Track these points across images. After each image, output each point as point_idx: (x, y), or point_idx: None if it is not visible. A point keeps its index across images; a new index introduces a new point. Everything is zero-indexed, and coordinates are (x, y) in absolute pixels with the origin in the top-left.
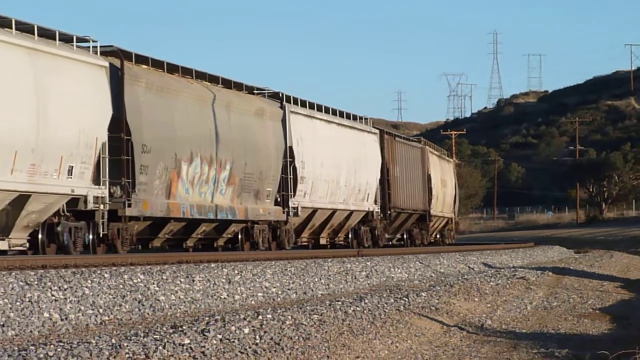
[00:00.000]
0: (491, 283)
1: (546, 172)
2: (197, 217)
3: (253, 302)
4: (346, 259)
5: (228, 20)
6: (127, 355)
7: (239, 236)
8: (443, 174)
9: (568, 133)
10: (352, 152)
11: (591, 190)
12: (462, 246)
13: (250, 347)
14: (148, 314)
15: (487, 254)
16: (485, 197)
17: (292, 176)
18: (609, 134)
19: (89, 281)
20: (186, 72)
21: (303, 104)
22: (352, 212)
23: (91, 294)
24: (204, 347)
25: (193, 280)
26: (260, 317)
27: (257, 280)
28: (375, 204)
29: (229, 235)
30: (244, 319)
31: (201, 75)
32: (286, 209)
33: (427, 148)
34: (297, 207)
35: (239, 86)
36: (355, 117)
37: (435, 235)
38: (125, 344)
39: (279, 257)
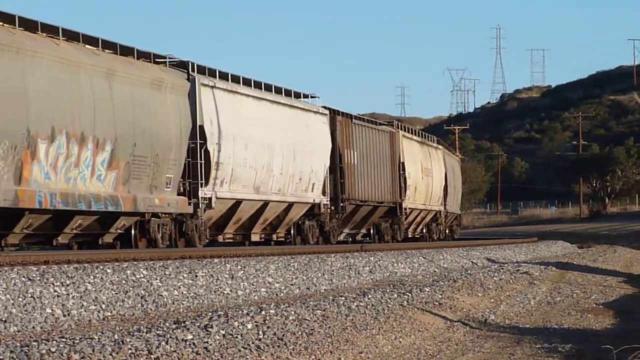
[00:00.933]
0: (495, 278)
1: (549, 166)
2: (62, 207)
3: (256, 298)
4: (349, 254)
5: (230, 14)
6: (129, 351)
7: (132, 232)
8: (426, 162)
9: (571, 128)
10: (291, 135)
11: (594, 185)
12: (466, 241)
13: (253, 343)
14: (151, 309)
15: (490, 248)
16: (488, 192)
17: (203, 161)
18: (612, 129)
19: (92, 277)
20: (51, 30)
21: (224, 76)
22: (291, 204)
23: (94, 289)
24: (207, 342)
25: (196, 276)
26: (263, 312)
27: (260, 275)
28: (324, 195)
29: (119, 231)
30: (247, 314)
31: (74, 36)
32: (194, 200)
33: (399, 132)
34: (211, 198)
35: (127, 51)
36: (298, 95)
37: (422, 229)
38: (128, 340)
39: (282, 253)
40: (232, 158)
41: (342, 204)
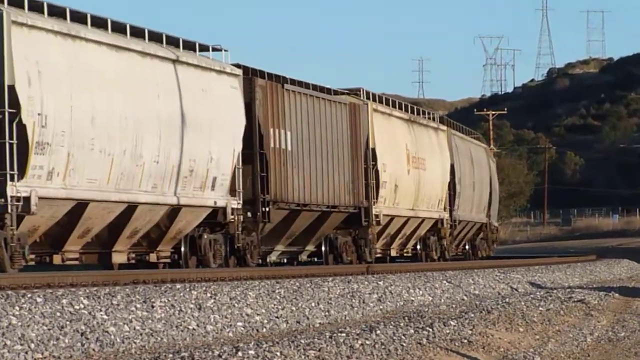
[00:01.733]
0: (540, 308)
1: (611, 163)
2: None
3: (231, 335)
4: (352, 277)
5: None
6: None
7: None
8: (417, 149)
9: (639, 113)
10: (175, 105)
11: None
12: (503, 260)
13: None
14: (94, 350)
15: (535, 270)
16: (532, 196)
17: (15, 141)
18: None
19: (17, 307)
20: None
21: (58, 13)
22: (177, 208)
23: (20, 324)
24: None
25: (152, 306)
26: (240, 353)
27: (236, 305)
28: (234, 195)
29: None
30: (219, 356)
31: None
32: (2, 201)
33: (367, 105)
34: (29, 197)
35: None
36: (191, 47)
37: (414, 245)
38: None
39: (265, 276)
40: (67, 137)
41: (264, 209)
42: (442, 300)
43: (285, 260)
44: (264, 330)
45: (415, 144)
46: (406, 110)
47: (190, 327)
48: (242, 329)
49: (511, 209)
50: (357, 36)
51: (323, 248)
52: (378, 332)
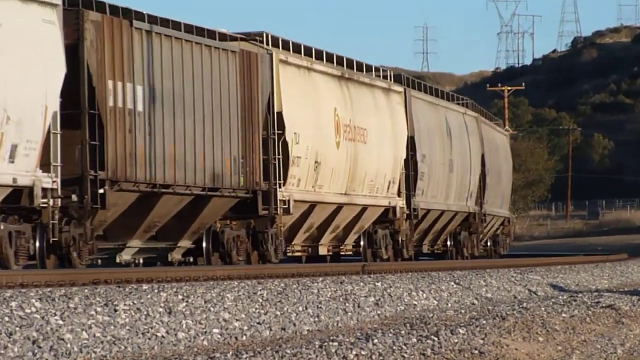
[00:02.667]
0: (563, 315)
1: None
2: None
3: (205, 343)
4: (345, 277)
5: None
6: None
7: None
8: (353, 114)
9: None
10: None
11: None
12: (519, 259)
13: None
14: None
15: (556, 270)
16: (554, 185)
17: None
18: None
19: None
20: None
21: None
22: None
23: None
24: None
25: (115, 310)
26: None
27: (212, 309)
28: (49, 171)
29: None
30: None
31: None
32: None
33: (268, 54)
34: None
35: None
36: None
37: (355, 241)
38: None
39: (245, 276)
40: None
41: (95, 190)
42: (449, 305)
43: (141, 261)
44: (244, 337)
45: (350, 107)
46: (338, 64)
47: (159, 334)
48: (219, 336)
49: (529, 199)
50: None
51: (204, 244)
52: (375, 341)
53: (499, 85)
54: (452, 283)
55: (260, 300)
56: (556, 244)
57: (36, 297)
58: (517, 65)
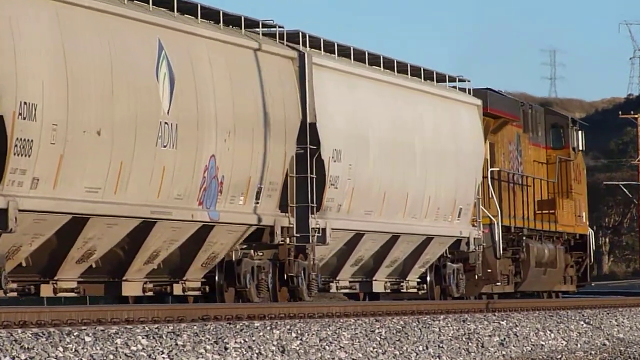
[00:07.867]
0: None
1: None
2: None
3: None
4: (468, 316)
5: None
6: None
7: None
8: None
9: None
10: None
11: None
12: None
13: None
14: None
15: None
16: None
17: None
18: None
19: (60, 348)
20: None
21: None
22: None
23: None
24: None
25: (226, 348)
26: None
27: (327, 348)
28: None
29: None
30: None
31: None
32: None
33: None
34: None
35: None
36: None
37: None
38: None
39: (362, 313)
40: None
41: None
42: (579, 346)
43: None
44: None
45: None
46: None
47: None
48: None
49: None
50: (468, 23)
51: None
52: None
53: (631, 112)
54: (582, 322)
55: (378, 339)
56: None
57: (142, 333)
58: None
